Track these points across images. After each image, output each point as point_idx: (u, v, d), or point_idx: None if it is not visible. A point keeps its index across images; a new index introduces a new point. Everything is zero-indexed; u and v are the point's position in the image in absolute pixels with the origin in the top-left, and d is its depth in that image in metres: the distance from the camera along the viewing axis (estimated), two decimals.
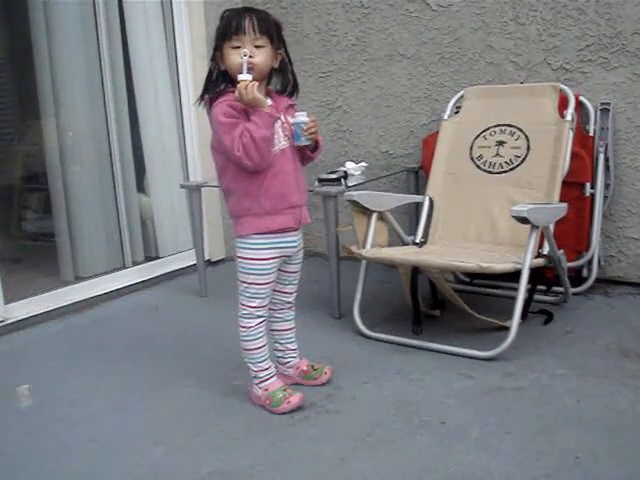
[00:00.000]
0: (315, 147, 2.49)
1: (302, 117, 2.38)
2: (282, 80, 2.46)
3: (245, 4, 4.46)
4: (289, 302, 2.62)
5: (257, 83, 2.28)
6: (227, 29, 2.31)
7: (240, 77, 2.26)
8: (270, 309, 2.54)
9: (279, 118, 2.36)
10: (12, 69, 6.32)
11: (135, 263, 4.31)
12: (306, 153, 2.48)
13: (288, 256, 2.48)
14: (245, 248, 2.40)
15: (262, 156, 2.29)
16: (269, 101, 2.36)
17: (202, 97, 2.43)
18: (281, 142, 2.37)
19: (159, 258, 4.44)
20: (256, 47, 2.30)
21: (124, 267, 4.25)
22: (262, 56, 2.32)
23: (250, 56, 2.28)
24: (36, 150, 5.45)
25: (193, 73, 4.40)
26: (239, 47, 2.29)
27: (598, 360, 2.81)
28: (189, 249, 4.36)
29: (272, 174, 2.35)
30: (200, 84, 4.04)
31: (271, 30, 2.34)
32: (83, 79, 4.06)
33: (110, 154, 4.18)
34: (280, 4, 4.49)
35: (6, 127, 6.14)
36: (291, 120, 2.39)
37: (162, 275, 4.33)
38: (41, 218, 5.57)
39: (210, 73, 2.42)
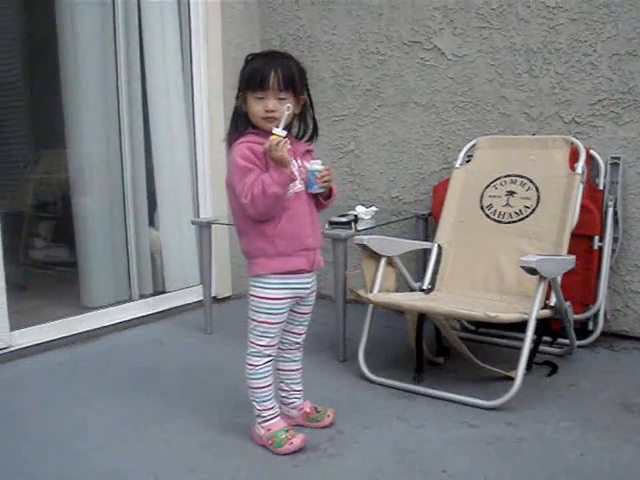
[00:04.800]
0: (328, 195, 2.52)
1: (317, 165, 2.41)
2: (302, 125, 2.48)
3: (263, 46, 4.54)
4: (298, 343, 2.62)
5: (289, 142, 2.29)
6: (252, 81, 2.33)
7: (275, 131, 2.27)
8: (278, 349, 2.54)
9: (295, 180, 2.38)
10: (27, 97, 6.40)
11: (142, 296, 4.32)
12: (319, 201, 2.51)
13: (301, 297, 2.49)
14: (258, 287, 2.42)
15: (268, 211, 2.32)
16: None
17: (229, 134, 2.45)
18: (297, 185, 2.39)
19: (166, 292, 4.45)
20: (279, 99, 2.34)
21: (131, 300, 4.26)
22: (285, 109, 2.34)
23: (272, 110, 2.32)
24: (48, 179, 5.51)
25: (209, 111, 4.45)
26: (262, 98, 2.33)
27: (602, 414, 2.80)
28: (196, 285, 4.39)
29: (287, 216, 2.37)
30: (215, 123, 4.13)
31: (295, 82, 2.37)
32: (100, 111, 4.12)
33: (123, 186, 4.22)
34: (297, 47, 4.56)
35: (18, 155, 6.20)
36: (307, 166, 2.42)
37: (168, 309, 4.34)
38: (50, 247, 5.61)
39: (235, 111, 2.45)
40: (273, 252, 2.38)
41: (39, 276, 5.24)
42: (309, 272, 2.47)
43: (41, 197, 5.78)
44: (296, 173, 2.37)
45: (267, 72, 2.32)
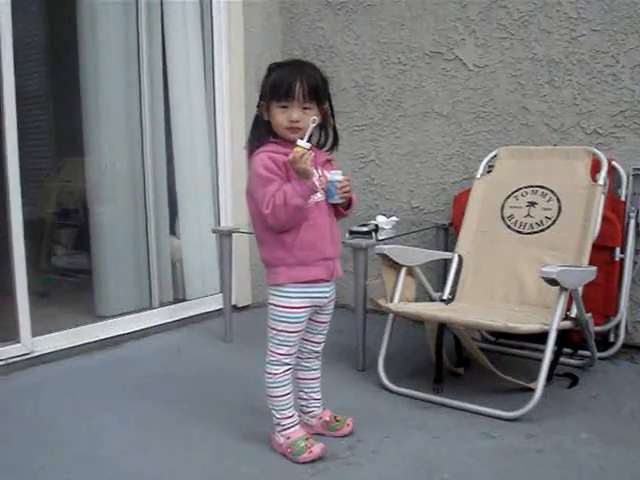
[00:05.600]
0: (348, 205, 2.52)
1: (337, 176, 2.40)
2: (323, 134, 2.48)
3: (285, 56, 4.56)
4: (317, 352, 2.63)
5: (313, 154, 2.30)
6: (276, 90, 2.34)
7: (299, 143, 2.27)
8: (297, 357, 2.55)
9: (317, 192, 2.39)
10: (50, 107, 6.46)
11: (162, 304, 4.34)
12: (339, 210, 2.51)
13: (319, 306, 2.50)
14: (277, 296, 2.42)
15: (289, 221, 2.33)
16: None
17: (250, 142, 2.45)
18: (317, 195, 2.40)
19: (186, 300, 4.47)
20: (304, 109, 2.34)
21: (151, 307, 4.28)
22: (308, 118, 2.33)
23: (297, 120, 2.33)
24: (70, 187, 5.55)
25: (230, 121, 4.48)
26: (286, 107, 2.33)
27: (623, 426, 2.78)
28: (216, 293, 4.41)
29: (307, 226, 2.37)
30: (237, 132, 4.14)
31: (319, 92, 2.38)
32: (123, 120, 4.16)
33: (144, 195, 4.24)
34: (319, 57, 4.58)
35: (42, 163, 6.25)
36: (327, 176, 2.42)
37: (188, 318, 4.35)
38: (71, 254, 5.65)
39: (256, 119, 2.46)
40: (293, 261, 2.38)
41: (61, 283, 5.28)
42: (328, 281, 2.48)
43: (63, 205, 5.82)
44: (317, 183, 2.37)
45: (293, 82, 2.32)
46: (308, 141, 2.30)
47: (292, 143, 2.31)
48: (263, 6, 4.63)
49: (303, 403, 2.68)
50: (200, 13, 4.42)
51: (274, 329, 2.45)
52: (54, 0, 6.02)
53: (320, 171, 2.42)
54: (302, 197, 2.30)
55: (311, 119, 2.32)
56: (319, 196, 2.41)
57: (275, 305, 2.43)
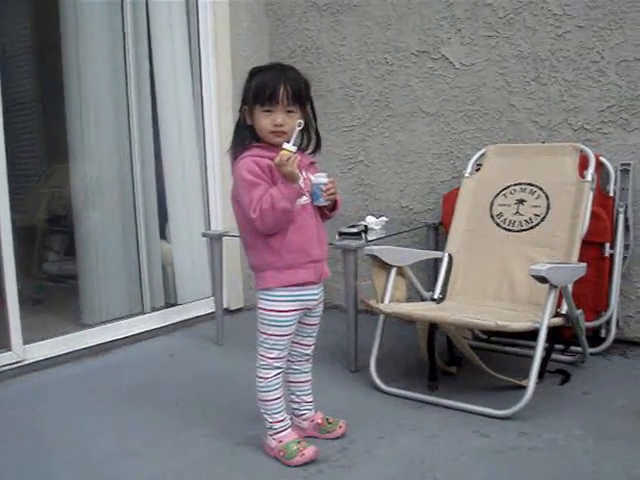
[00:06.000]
0: (333, 207, 2.52)
1: (322, 178, 2.41)
2: (305, 137, 2.47)
3: (272, 58, 4.56)
4: (307, 354, 2.63)
5: (299, 157, 2.30)
6: (260, 94, 2.33)
7: (285, 146, 2.28)
8: (288, 361, 2.54)
9: (304, 195, 2.39)
10: (40, 112, 6.43)
11: (154, 309, 4.34)
12: (324, 212, 2.51)
13: (309, 309, 2.50)
14: (266, 300, 2.42)
15: (276, 225, 2.33)
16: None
17: (233, 147, 2.45)
18: (303, 197, 2.39)
19: (178, 305, 4.46)
20: (287, 112, 2.35)
21: (143, 312, 4.27)
22: (293, 122, 2.35)
23: (281, 124, 2.33)
24: (60, 193, 5.53)
25: (218, 124, 4.48)
26: (270, 111, 2.33)
27: (615, 422, 2.78)
28: (208, 297, 4.40)
29: (294, 228, 2.37)
30: (225, 135, 4.14)
31: (302, 95, 2.38)
32: (111, 125, 4.14)
33: (134, 199, 4.24)
34: (306, 58, 4.58)
35: (32, 169, 6.23)
36: (312, 178, 2.42)
37: (180, 322, 4.35)
38: (62, 260, 5.63)
39: (238, 124, 2.47)
40: (281, 265, 2.38)
41: (54, 290, 5.26)
42: (316, 284, 2.48)
43: (54, 211, 5.80)
44: (302, 186, 2.37)
45: (277, 86, 2.32)
46: (294, 144, 2.30)
47: (276, 147, 2.32)
48: (249, 7, 4.63)
49: (295, 406, 2.68)
50: (186, 14, 4.41)
51: (264, 333, 2.45)
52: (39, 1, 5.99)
53: (305, 174, 2.42)
54: (289, 200, 2.29)
55: (297, 122, 2.33)
56: (305, 199, 2.41)
57: (264, 309, 2.43)
